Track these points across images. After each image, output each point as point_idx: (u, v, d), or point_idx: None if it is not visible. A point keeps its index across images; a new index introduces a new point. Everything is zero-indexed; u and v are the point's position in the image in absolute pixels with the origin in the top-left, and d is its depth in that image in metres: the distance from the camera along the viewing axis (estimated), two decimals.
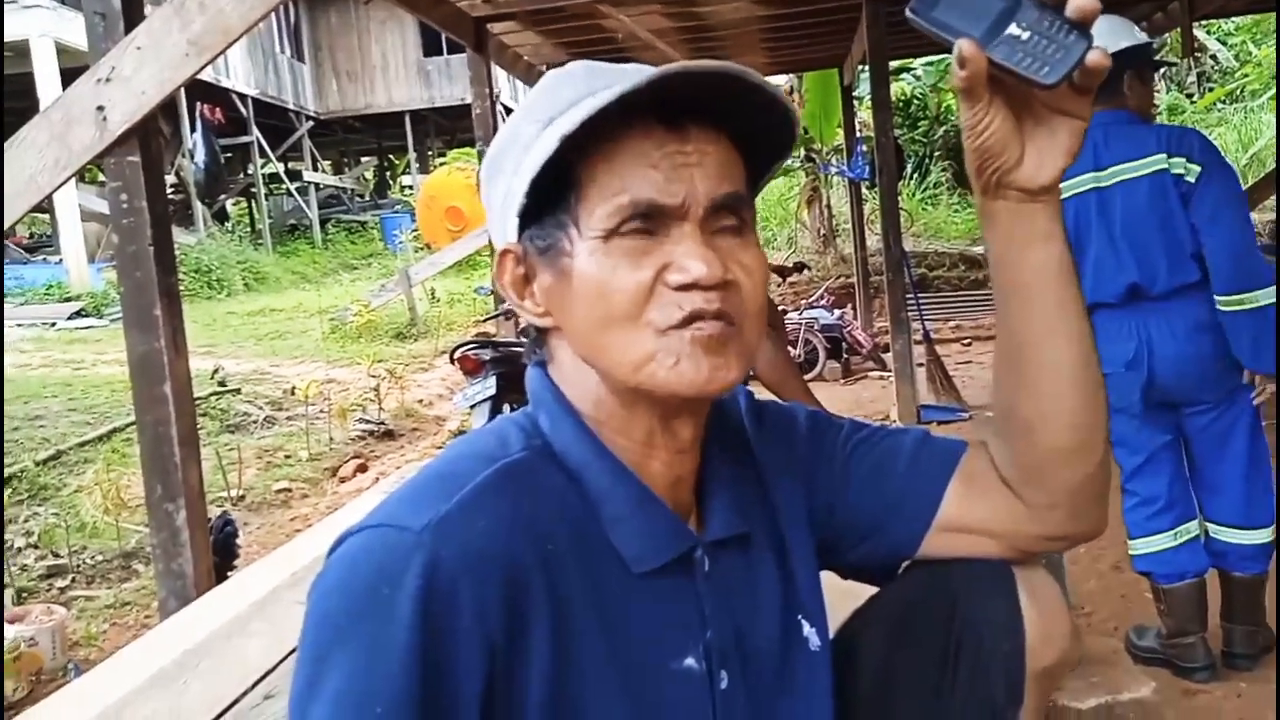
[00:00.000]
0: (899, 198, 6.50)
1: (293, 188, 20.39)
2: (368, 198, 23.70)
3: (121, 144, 2.62)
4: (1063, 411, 0.90)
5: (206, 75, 13.80)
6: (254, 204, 19.69)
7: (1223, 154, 2.71)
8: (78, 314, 11.90)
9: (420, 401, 8.13)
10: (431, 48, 19.66)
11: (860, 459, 1.00)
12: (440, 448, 6.10)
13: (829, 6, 6.12)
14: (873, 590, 1.05)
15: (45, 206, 12.65)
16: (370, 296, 11.70)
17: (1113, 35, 2.62)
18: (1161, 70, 5.60)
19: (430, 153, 23.86)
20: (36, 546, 4.89)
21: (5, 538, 4.78)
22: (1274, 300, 2.51)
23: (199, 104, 15.31)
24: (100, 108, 2.58)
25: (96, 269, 13.12)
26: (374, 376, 7.98)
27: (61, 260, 13.38)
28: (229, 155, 17.89)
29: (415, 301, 11.38)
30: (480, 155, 6.49)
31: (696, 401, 0.87)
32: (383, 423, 7.35)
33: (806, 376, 4.79)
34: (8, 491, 5.19)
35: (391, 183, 26.23)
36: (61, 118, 2.63)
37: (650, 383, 0.83)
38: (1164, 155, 2.57)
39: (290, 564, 1.88)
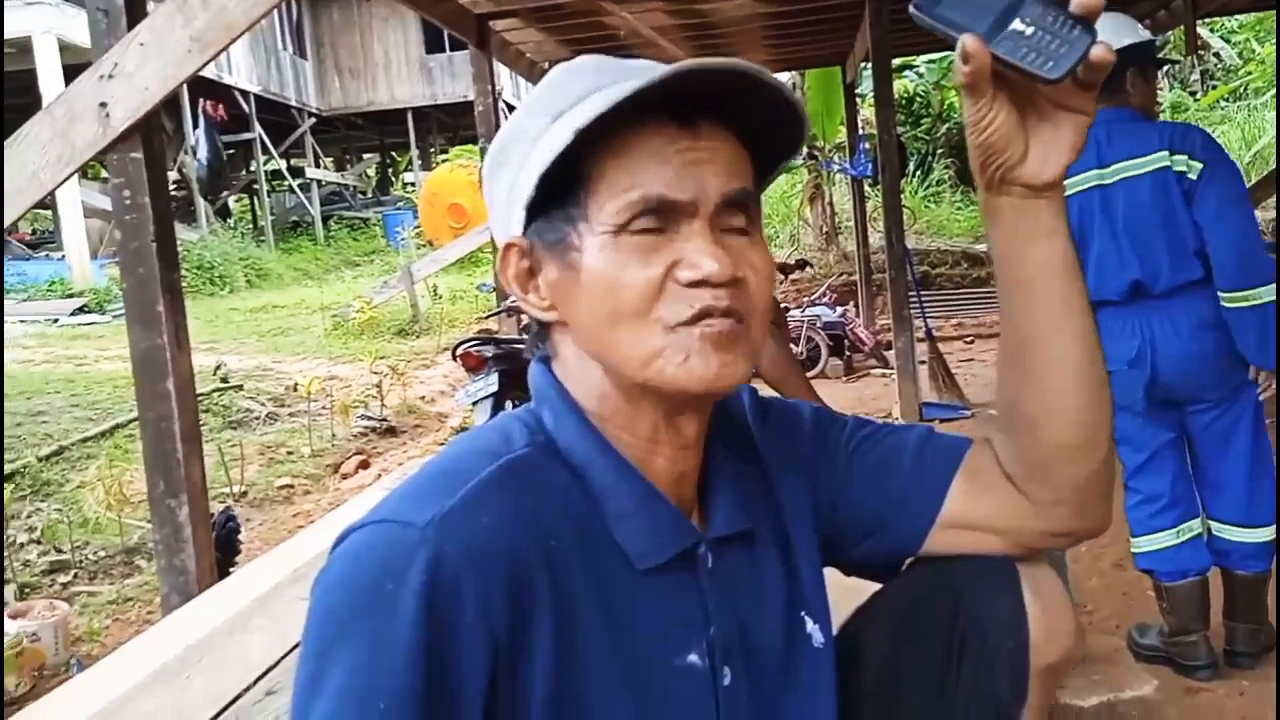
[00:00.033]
0: (901, 195, 6.48)
1: (295, 184, 20.40)
2: (370, 194, 23.66)
3: (124, 140, 2.62)
4: (1067, 408, 0.90)
5: (209, 72, 13.82)
6: (256, 200, 19.69)
7: (1226, 151, 2.70)
8: (80, 310, 11.90)
9: (422, 398, 8.12)
10: (434, 44, 19.68)
11: (864, 456, 1.00)
12: (442, 444, 6.11)
13: (832, 4, 6.11)
14: (876, 587, 1.05)
15: (48, 203, 12.65)
16: (372, 293, 11.70)
17: (1116, 32, 2.61)
18: (1164, 68, 5.58)
19: (432, 150, 23.86)
20: (39, 542, 4.89)
21: (8, 533, 4.78)
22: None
23: (201, 100, 15.32)
24: (103, 104, 2.59)
25: (99, 265, 13.14)
26: (376, 373, 7.98)
27: (64, 256, 13.38)
28: (231, 152, 17.89)
29: (417, 298, 11.36)
30: (483, 152, 6.49)
31: (702, 398, 0.87)
32: (385, 419, 7.34)
33: (809, 374, 4.79)
34: (10, 487, 5.20)
35: (394, 179, 26.20)
36: (64, 114, 2.63)
37: (659, 379, 0.83)
38: (1166, 152, 2.56)
39: (292, 560, 1.87)
